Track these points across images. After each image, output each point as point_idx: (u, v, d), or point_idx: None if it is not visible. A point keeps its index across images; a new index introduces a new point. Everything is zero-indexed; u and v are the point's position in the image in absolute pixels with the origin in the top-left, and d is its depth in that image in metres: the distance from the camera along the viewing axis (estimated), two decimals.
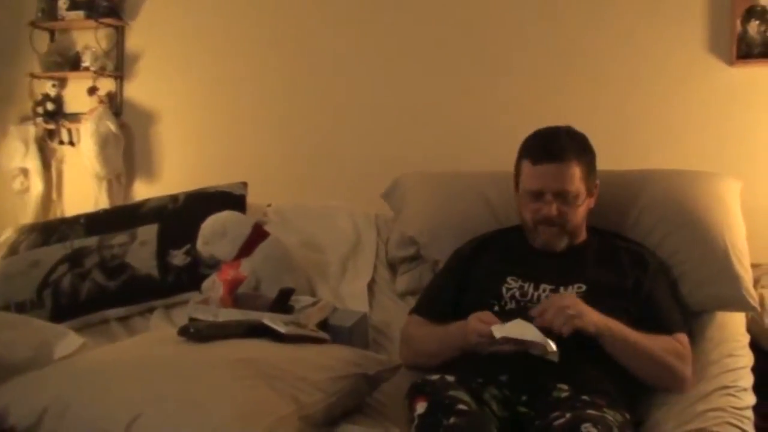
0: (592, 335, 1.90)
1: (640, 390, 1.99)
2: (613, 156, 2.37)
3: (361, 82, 3.14)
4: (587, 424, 1.60)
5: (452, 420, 1.64)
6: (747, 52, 2.64)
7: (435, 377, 1.81)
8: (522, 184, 2.18)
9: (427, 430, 1.67)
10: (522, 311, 1.98)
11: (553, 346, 1.80)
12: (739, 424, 1.84)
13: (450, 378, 1.81)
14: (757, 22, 2.62)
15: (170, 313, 2.66)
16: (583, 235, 2.21)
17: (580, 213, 2.14)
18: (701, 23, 2.72)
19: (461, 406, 1.68)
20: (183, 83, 3.40)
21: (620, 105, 2.81)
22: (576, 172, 2.11)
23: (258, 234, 2.52)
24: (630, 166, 2.48)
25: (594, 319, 1.91)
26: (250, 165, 3.20)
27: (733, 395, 1.96)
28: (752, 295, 2.20)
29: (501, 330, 1.84)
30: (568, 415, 1.65)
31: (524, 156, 2.18)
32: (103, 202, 3.41)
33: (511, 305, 2.05)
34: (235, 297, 2.25)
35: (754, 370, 2.10)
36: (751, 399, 1.98)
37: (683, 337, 2.02)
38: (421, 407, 1.72)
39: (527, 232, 2.20)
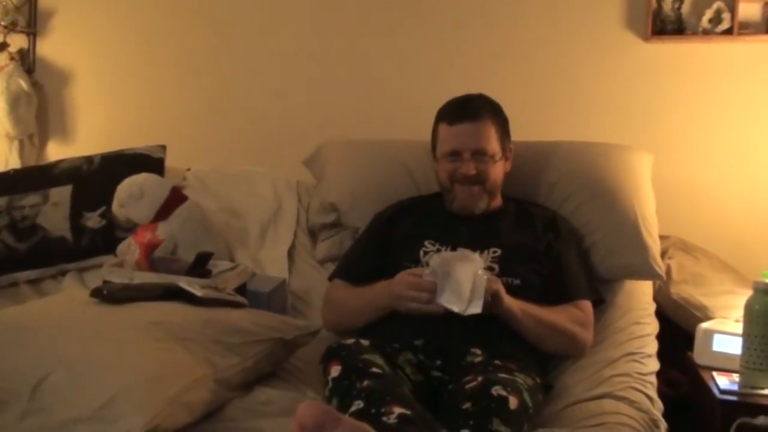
0: (503, 312, 1.94)
1: (550, 356, 2.05)
2: (528, 127, 2.41)
3: (285, 49, 3.10)
4: (497, 387, 1.64)
5: (366, 383, 1.66)
6: (662, 28, 2.71)
7: (350, 341, 1.83)
8: (440, 148, 2.22)
9: (341, 393, 1.69)
10: None
11: (481, 261, 1.84)
12: (643, 388, 1.93)
13: (365, 342, 1.82)
14: None
15: (83, 276, 2.60)
16: (498, 201, 2.25)
17: (497, 171, 2.19)
18: None
19: (375, 369, 1.70)
20: (100, 41, 3.29)
21: (536, 77, 2.85)
22: (492, 131, 2.18)
23: (176, 198, 2.48)
24: (544, 137, 2.52)
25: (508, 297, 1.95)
26: (169, 128, 3.13)
27: (638, 361, 2.04)
28: (659, 265, 2.29)
29: (433, 263, 1.87)
30: (479, 379, 1.68)
31: (441, 119, 2.23)
32: (13, 163, 3.29)
33: None
34: (151, 260, 2.22)
35: (659, 337, 2.19)
36: (655, 365, 2.07)
37: (586, 304, 2.10)
38: (335, 371, 1.73)
39: (445, 194, 2.23)
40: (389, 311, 2.01)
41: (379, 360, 1.75)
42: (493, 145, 2.17)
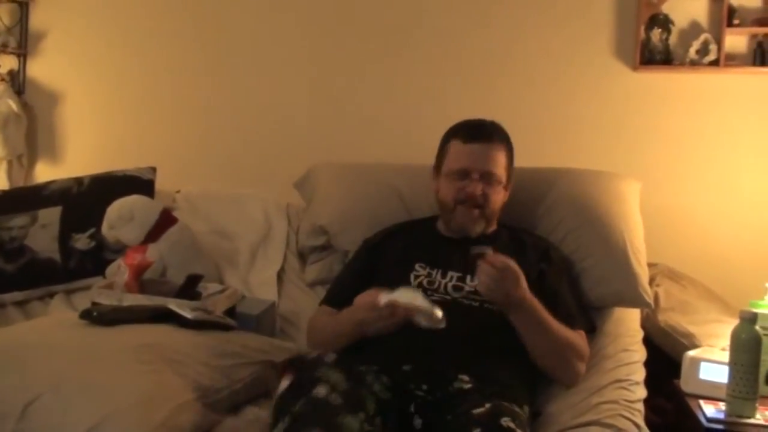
0: (516, 302, 1.92)
1: (538, 382, 2.05)
2: (517, 154, 2.41)
3: (277, 71, 3.12)
4: (506, 418, 1.64)
5: (301, 402, 1.62)
6: (650, 58, 2.74)
7: (313, 355, 1.80)
8: (447, 165, 2.21)
9: (279, 406, 1.66)
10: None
11: (439, 313, 1.81)
12: (630, 416, 1.91)
13: (330, 357, 1.80)
14: (660, 29, 2.72)
15: (71, 298, 2.59)
16: (494, 226, 2.26)
17: (499, 197, 2.21)
18: (607, 29, 2.81)
19: (319, 389, 1.66)
20: (91, 63, 3.30)
21: (526, 104, 2.87)
22: (502, 157, 2.20)
23: (166, 220, 2.48)
24: (534, 164, 2.54)
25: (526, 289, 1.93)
26: (159, 150, 3.13)
27: (626, 389, 2.03)
28: (648, 293, 2.29)
29: (387, 296, 1.85)
30: (487, 405, 1.68)
31: (453, 137, 2.23)
32: (2, 184, 3.28)
33: None
34: (140, 282, 2.21)
35: (647, 364, 2.19)
36: (642, 392, 2.06)
37: (582, 334, 2.10)
38: (284, 383, 1.71)
39: (443, 214, 2.23)
40: (360, 337, 1.99)
41: (334, 377, 1.70)
42: (501, 170, 2.19)
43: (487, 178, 2.16)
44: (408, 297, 1.86)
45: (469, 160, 2.17)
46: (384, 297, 1.86)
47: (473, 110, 2.32)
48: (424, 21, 2.98)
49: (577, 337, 2.06)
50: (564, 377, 2.04)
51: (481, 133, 2.19)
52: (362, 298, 1.94)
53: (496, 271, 1.87)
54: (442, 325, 1.82)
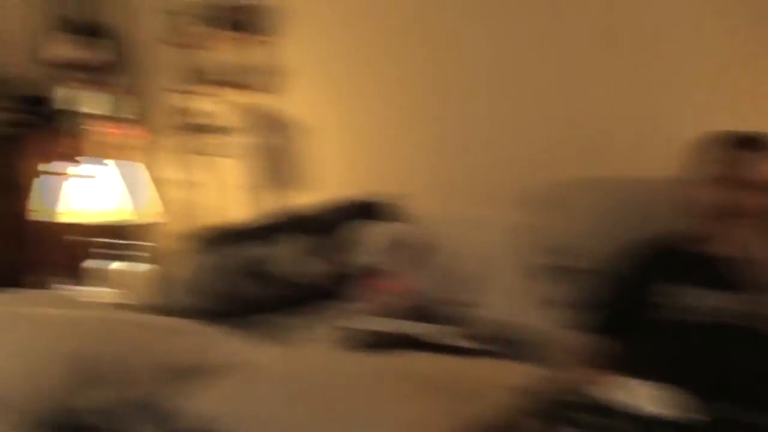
0: None
1: None
2: None
3: (516, 97, 3.09)
4: None
5: None
6: None
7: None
8: (717, 170, 2.10)
9: None
10: None
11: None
12: None
13: None
14: None
15: (323, 322, 2.64)
16: None
17: None
18: None
19: None
20: (339, 94, 3.49)
21: None
22: None
23: (418, 245, 2.50)
24: None
25: None
26: (405, 176, 3.23)
27: None
28: None
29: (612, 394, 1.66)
30: None
31: (724, 144, 2.12)
32: (252, 211, 3.53)
33: None
34: (397, 308, 2.24)
35: None
36: None
37: None
38: None
39: (708, 225, 2.10)
40: None
41: None
42: None
43: (764, 189, 2.05)
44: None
45: (746, 168, 2.06)
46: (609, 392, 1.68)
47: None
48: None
49: None
50: None
51: (759, 143, 2.09)
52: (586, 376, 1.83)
53: None
54: None
